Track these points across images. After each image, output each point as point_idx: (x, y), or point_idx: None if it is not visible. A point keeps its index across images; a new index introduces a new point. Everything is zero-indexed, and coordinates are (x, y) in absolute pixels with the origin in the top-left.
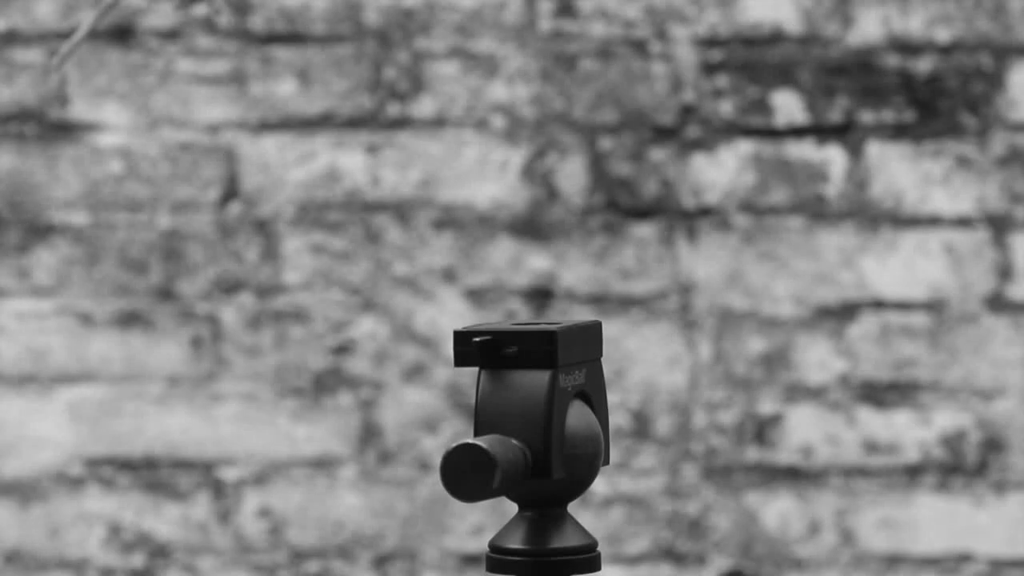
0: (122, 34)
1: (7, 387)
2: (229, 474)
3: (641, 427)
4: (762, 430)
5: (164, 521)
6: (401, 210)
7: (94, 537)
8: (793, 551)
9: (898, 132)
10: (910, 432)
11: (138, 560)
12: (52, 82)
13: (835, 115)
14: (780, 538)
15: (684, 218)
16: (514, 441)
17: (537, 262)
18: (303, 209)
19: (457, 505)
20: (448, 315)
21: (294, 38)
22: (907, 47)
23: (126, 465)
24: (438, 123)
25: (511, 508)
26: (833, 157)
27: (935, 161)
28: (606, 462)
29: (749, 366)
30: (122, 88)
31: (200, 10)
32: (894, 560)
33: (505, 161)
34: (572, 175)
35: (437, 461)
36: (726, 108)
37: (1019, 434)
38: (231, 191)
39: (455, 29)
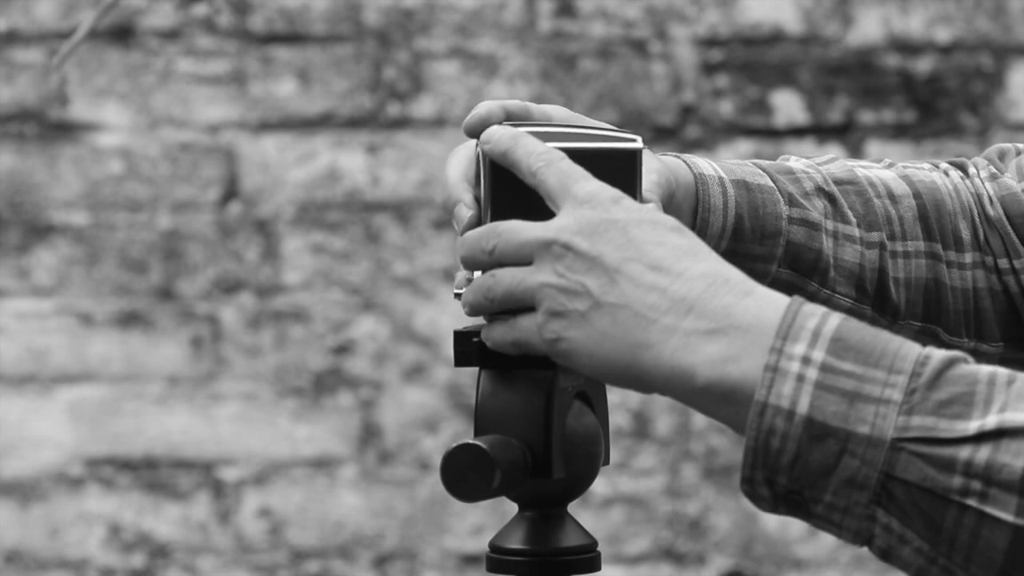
0: (122, 34)
1: (7, 387)
2: (229, 474)
3: (641, 427)
4: None
5: (164, 521)
6: (401, 210)
7: (94, 537)
8: (793, 551)
9: (898, 132)
10: None
11: (138, 560)
12: (52, 82)
13: (835, 115)
14: (780, 538)
15: None
16: (514, 441)
17: None
18: (303, 209)
19: (457, 505)
20: (448, 315)
21: (294, 38)
22: (907, 47)
23: (126, 465)
24: (438, 123)
25: (511, 508)
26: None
27: None
28: (606, 462)
29: None
30: (122, 88)
31: (200, 10)
32: None
33: None
34: None
35: (437, 461)
36: (726, 108)
37: None
38: (231, 191)
39: (455, 29)
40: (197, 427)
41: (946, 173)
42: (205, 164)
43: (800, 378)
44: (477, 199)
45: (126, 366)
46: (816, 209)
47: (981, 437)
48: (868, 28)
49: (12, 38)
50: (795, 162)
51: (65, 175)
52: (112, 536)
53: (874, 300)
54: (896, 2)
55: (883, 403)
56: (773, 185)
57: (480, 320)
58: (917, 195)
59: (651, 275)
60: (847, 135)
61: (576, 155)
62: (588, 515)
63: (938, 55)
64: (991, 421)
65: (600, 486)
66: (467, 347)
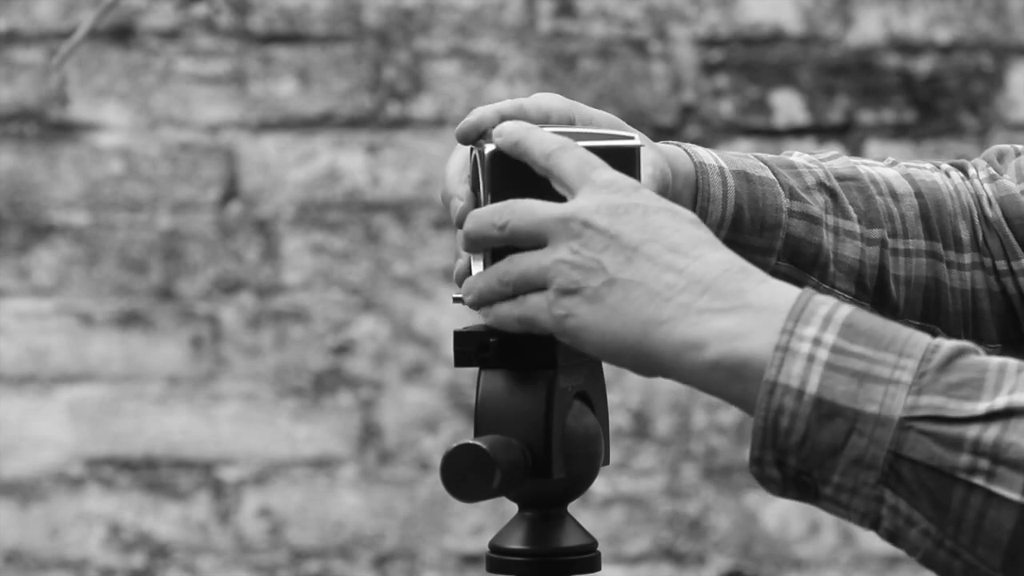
0: (122, 34)
1: (7, 387)
2: (229, 474)
3: (641, 427)
4: None
5: (164, 521)
6: (401, 210)
7: (94, 537)
8: (793, 551)
9: (898, 132)
10: None
11: (138, 560)
12: (52, 82)
13: (835, 115)
14: (780, 538)
15: None
16: (514, 441)
17: None
18: (303, 209)
19: (457, 505)
20: (448, 315)
21: (294, 38)
22: (907, 47)
23: (126, 465)
24: (438, 123)
25: (511, 508)
26: None
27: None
28: (606, 462)
29: None
30: (122, 88)
31: (200, 10)
32: (894, 560)
33: None
34: None
35: (437, 461)
36: (726, 108)
37: None
38: (231, 191)
39: (455, 29)
40: (197, 427)
41: (947, 174)
42: (205, 164)
43: (811, 358)
44: (473, 192)
45: (126, 366)
46: (817, 203)
47: (990, 416)
48: (868, 28)
49: (12, 38)
50: (797, 156)
51: (65, 175)
52: (112, 536)
53: (874, 297)
54: (896, 2)
55: (893, 383)
56: (774, 178)
57: (481, 319)
58: (919, 194)
59: (669, 255)
60: (847, 135)
61: None
62: (588, 515)
63: (938, 55)
64: (1000, 402)
65: (600, 486)
66: (467, 347)
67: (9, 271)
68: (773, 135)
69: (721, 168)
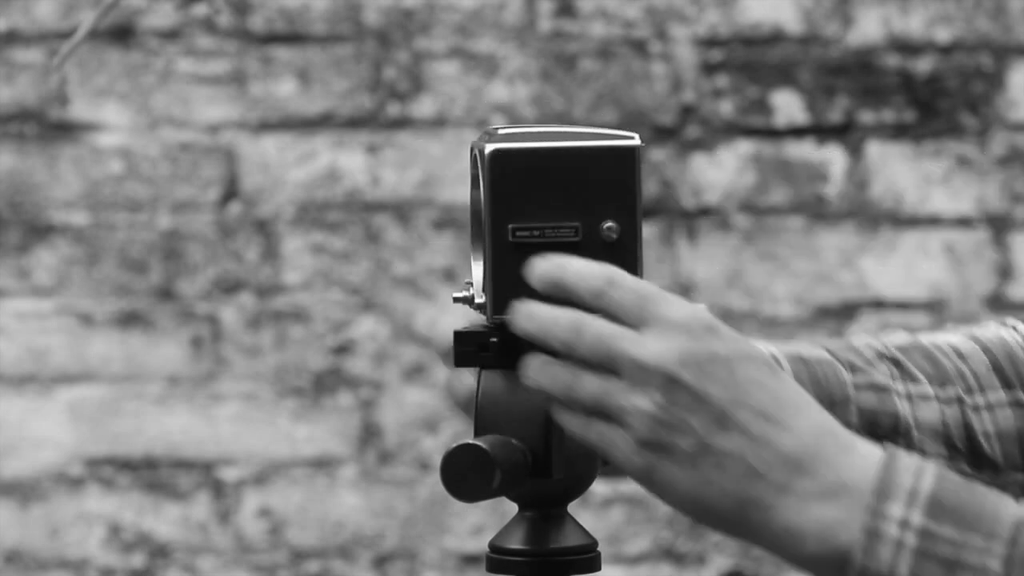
0: (122, 34)
1: (7, 387)
2: (229, 474)
3: None
4: None
5: (164, 521)
6: (401, 210)
7: (94, 537)
8: None
9: (898, 132)
10: None
11: (138, 560)
12: (52, 82)
13: (835, 115)
14: None
15: (684, 218)
16: (514, 441)
17: None
18: (303, 209)
19: (457, 505)
20: (448, 315)
21: (294, 38)
22: (907, 47)
23: (126, 465)
24: (438, 123)
25: (511, 508)
26: (833, 157)
27: (935, 161)
28: (606, 462)
29: None
30: (122, 88)
31: (200, 10)
32: None
33: None
34: None
35: (437, 461)
36: (726, 108)
37: None
38: (231, 191)
39: (455, 29)
40: (197, 427)
41: (1014, 328)
42: (205, 164)
43: (899, 545)
44: (474, 189)
45: (126, 366)
46: (881, 373)
47: None
48: (868, 28)
49: (12, 38)
50: (855, 339)
51: (65, 175)
52: (112, 536)
53: (967, 456)
54: (896, 2)
55: (982, 573)
56: (831, 357)
57: (477, 318)
58: (986, 350)
59: (761, 425)
60: (847, 135)
61: (575, 154)
62: (588, 515)
63: (938, 55)
64: None
65: (600, 486)
66: (467, 347)
67: (9, 271)
68: (773, 135)
69: (773, 355)
